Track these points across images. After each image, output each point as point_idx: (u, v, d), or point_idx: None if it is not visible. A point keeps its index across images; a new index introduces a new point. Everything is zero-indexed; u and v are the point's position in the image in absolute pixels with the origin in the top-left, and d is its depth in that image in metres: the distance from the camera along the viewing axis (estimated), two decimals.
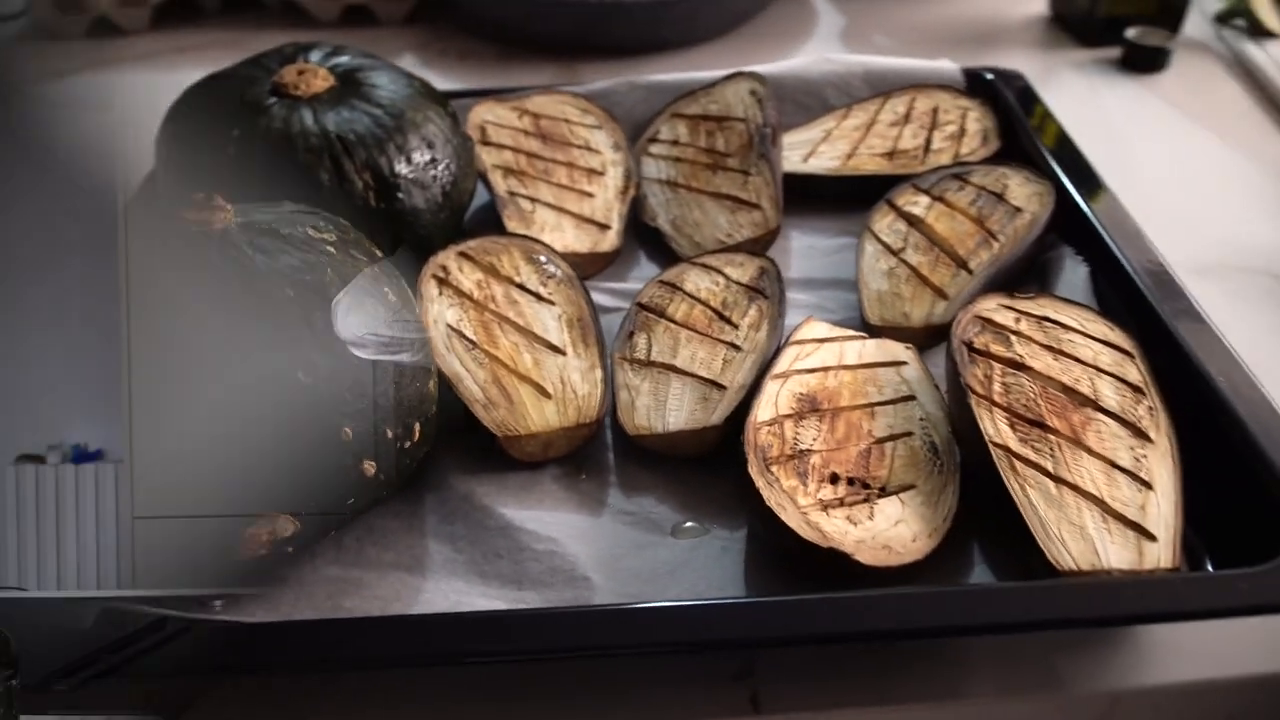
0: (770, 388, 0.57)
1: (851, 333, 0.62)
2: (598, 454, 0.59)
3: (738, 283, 0.65)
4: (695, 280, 0.66)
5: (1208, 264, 0.72)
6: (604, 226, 0.73)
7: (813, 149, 0.79)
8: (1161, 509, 0.50)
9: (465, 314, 0.62)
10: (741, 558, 0.53)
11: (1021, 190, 0.71)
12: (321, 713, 0.48)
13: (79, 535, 0.49)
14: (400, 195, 0.64)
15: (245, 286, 0.49)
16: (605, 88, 0.84)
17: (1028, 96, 0.83)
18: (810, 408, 0.56)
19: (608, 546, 0.53)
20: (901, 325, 0.64)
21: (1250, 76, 0.95)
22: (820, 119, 0.82)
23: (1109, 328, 0.59)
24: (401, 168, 0.64)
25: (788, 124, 0.81)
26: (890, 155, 0.78)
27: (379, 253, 0.56)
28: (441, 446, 0.57)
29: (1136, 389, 0.55)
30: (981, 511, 0.52)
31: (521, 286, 0.64)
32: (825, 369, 0.59)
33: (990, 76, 0.84)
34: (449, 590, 0.51)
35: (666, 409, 0.58)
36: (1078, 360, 0.56)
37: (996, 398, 0.54)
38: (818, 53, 0.94)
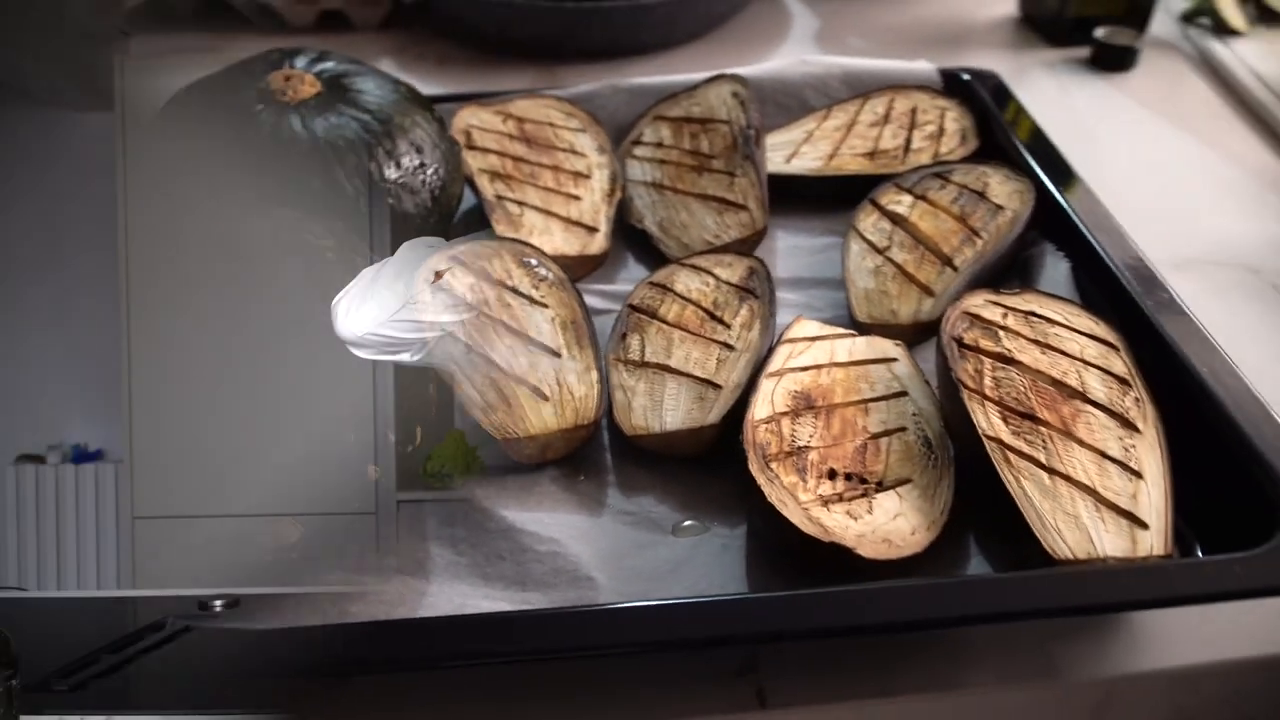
0: (765, 386, 0.57)
1: (842, 331, 0.63)
2: (595, 455, 0.59)
3: (728, 283, 0.66)
4: (685, 281, 0.67)
5: (1182, 258, 0.74)
6: (592, 229, 0.73)
7: (795, 150, 0.80)
8: (1152, 497, 0.51)
9: (459, 317, 0.62)
10: (742, 555, 0.53)
11: (1002, 188, 0.72)
12: (323, 713, 0.48)
13: (79, 535, 0.49)
14: (389, 200, 0.64)
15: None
16: (588, 91, 0.84)
17: (1003, 96, 0.84)
18: (805, 405, 0.57)
19: (609, 546, 0.54)
20: (890, 322, 0.65)
21: (1216, 74, 0.97)
22: (801, 120, 0.83)
23: (1093, 321, 0.60)
24: (391, 172, 0.64)
25: (769, 125, 0.82)
26: (872, 155, 0.79)
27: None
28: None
29: (1123, 381, 0.56)
30: (976, 504, 0.53)
31: (514, 290, 0.64)
32: (818, 367, 0.59)
33: (967, 77, 0.86)
34: (453, 593, 0.51)
35: (663, 409, 0.58)
36: (1065, 354, 0.58)
37: (988, 392, 0.55)
38: (793, 55, 0.95)
